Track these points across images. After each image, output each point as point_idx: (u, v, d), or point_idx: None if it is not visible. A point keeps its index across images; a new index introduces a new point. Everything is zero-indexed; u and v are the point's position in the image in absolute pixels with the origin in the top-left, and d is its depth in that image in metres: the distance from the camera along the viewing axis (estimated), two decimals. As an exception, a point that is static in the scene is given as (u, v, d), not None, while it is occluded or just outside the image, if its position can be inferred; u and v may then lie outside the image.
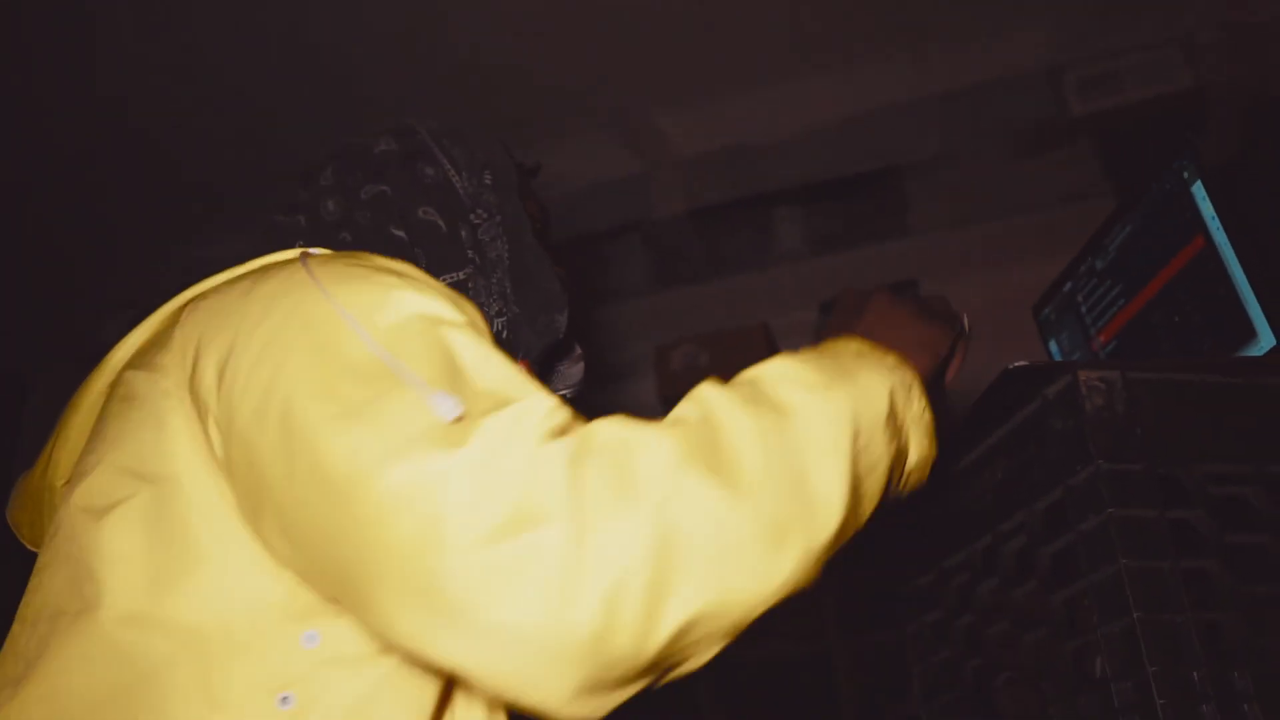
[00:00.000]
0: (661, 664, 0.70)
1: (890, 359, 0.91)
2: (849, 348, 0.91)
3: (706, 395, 0.79)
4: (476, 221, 1.09)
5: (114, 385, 0.91)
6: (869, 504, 0.83)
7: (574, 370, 1.21)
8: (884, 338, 0.96)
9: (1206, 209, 1.10)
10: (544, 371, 1.17)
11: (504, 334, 1.08)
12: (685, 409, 0.78)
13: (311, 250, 0.92)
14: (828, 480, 0.76)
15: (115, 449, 0.83)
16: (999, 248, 3.30)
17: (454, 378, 0.73)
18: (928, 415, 0.92)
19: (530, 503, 0.65)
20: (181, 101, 2.86)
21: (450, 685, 0.83)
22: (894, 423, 0.86)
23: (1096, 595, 0.98)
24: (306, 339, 0.76)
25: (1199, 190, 1.12)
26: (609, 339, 3.50)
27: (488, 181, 1.11)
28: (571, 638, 0.64)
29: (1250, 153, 2.78)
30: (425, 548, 0.64)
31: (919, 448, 0.91)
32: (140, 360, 0.89)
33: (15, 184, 3.08)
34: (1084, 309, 1.33)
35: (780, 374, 0.83)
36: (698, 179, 3.27)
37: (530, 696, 0.67)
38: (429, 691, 0.80)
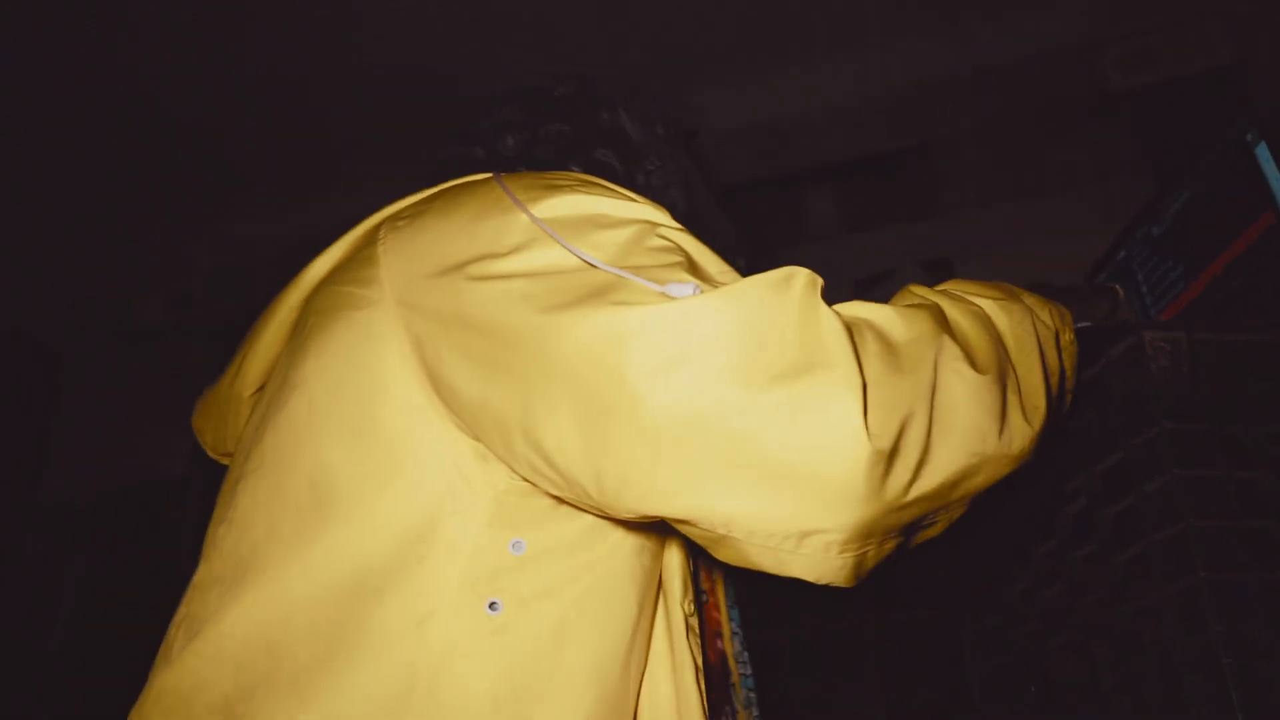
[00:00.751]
0: (922, 519, 0.75)
1: (1036, 298, 0.95)
2: (1001, 286, 0.94)
3: (923, 293, 0.88)
4: (650, 168, 1.12)
5: (309, 300, 0.92)
6: (1057, 404, 0.89)
7: None
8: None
9: (1272, 172, 1.10)
10: None
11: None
12: (908, 299, 0.86)
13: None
14: (1030, 369, 0.85)
15: (321, 358, 0.84)
16: (1034, 225, 3.28)
17: (691, 269, 0.75)
18: (1074, 346, 0.95)
19: (817, 347, 0.68)
20: (215, 84, 2.87)
21: (652, 599, 0.86)
22: (1057, 342, 0.91)
23: (1158, 556, 0.98)
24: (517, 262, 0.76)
25: (1264, 153, 1.11)
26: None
27: (660, 133, 1.14)
28: (858, 474, 0.66)
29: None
30: (695, 388, 0.66)
31: (1070, 373, 0.94)
32: (340, 276, 0.89)
33: (51, 164, 3.10)
34: (1142, 282, 1.33)
35: (964, 289, 0.90)
36: (729, 157, 3.27)
37: (797, 550, 0.69)
38: (631, 606, 0.82)
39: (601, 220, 0.78)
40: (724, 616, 1.05)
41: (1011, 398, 0.81)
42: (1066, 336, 0.94)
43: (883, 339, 0.75)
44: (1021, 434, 0.81)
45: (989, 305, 0.87)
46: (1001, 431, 0.78)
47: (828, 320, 0.70)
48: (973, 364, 0.78)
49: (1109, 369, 1.05)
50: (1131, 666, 1.02)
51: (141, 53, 2.75)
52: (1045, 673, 1.17)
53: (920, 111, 3.06)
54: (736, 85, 3.07)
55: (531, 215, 0.78)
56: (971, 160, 3.24)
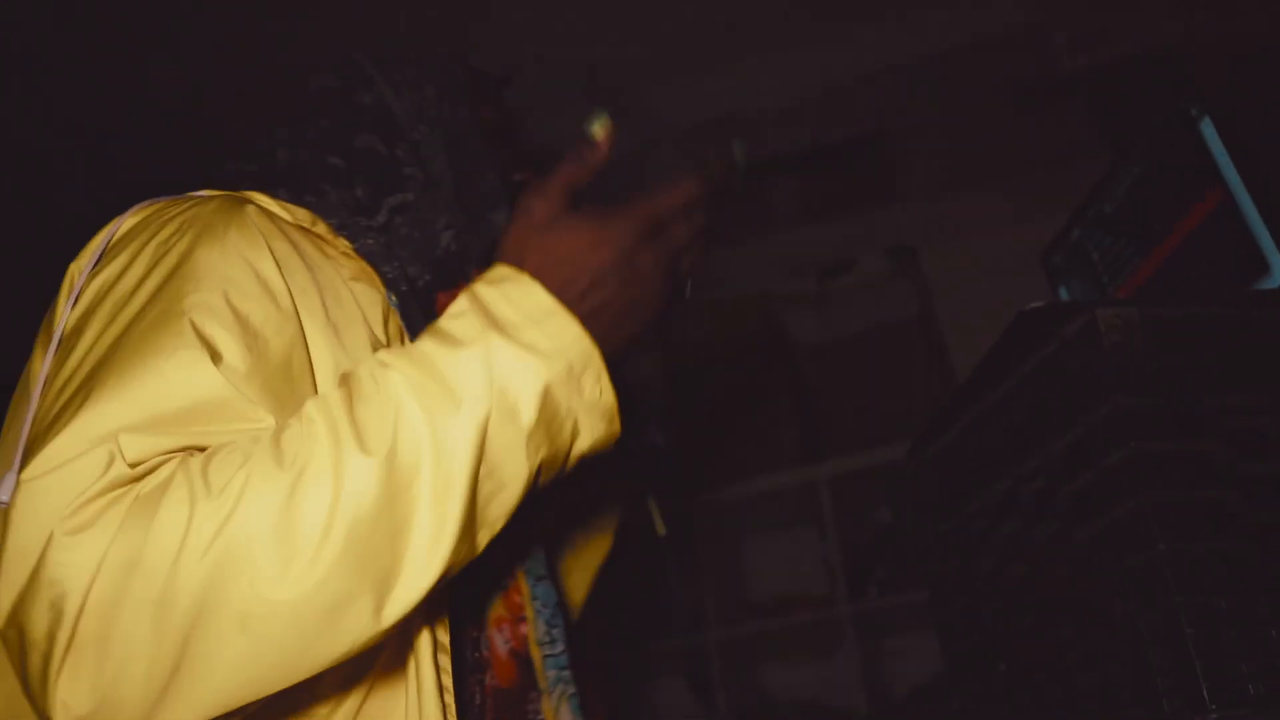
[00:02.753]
0: None
1: (566, 326, 0.76)
2: (510, 306, 0.76)
3: (251, 463, 0.68)
4: (417, 138, 1.09)
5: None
6: (495, 524, 0.74)
7: None
8: (566, 282, 0.79)
9: (1218, 148, 1.11)
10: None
11: (452, 246, 1.07)
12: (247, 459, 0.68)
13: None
14: (421, 532, 0.68)
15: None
16: (996, 208, 3.31)
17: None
18: (607, 398, 0.77)
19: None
20: (238, 99, 2.83)
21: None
22: (548, 425, 0.74)
23: (1118, 532, 0.99)
24: None
25: (1209, 129, 1.12)
26: (606, 314, 3.49)
27: (429, 94, 1.11)
28: None
29: (1244, 100, 2.78)
30: None
31: (592, 434, 0.78)
32: None
33: (66, 181, 3.06)
34: (1097, 260, 1.34)
35: (385, 390, 0.71)
36: (686, 151, 3.27)
37: None
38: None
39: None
40: (526, 598, 1.04)
41: (359, 582, 0.67)
42: (588, 396, 0.76)
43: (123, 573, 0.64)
44: (365, 623, 0.67)
45: (401, 444, 0.69)
46: (318, 638, 0.66)
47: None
48: (284, 568, 0.65)
49: (1062, 347, 1.05)
50: (1096, 642, 1.03)
51: (161, 78, 2.73)
52: (1014, 652, 1.18)
53: (875, 99, 3.08)
54: (691, 80, 3.07)
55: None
56: (930, 146, 3.27)
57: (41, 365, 0.79)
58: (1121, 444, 0.97)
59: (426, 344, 0.74)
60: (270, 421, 0.73)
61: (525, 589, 1.05)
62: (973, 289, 3.31)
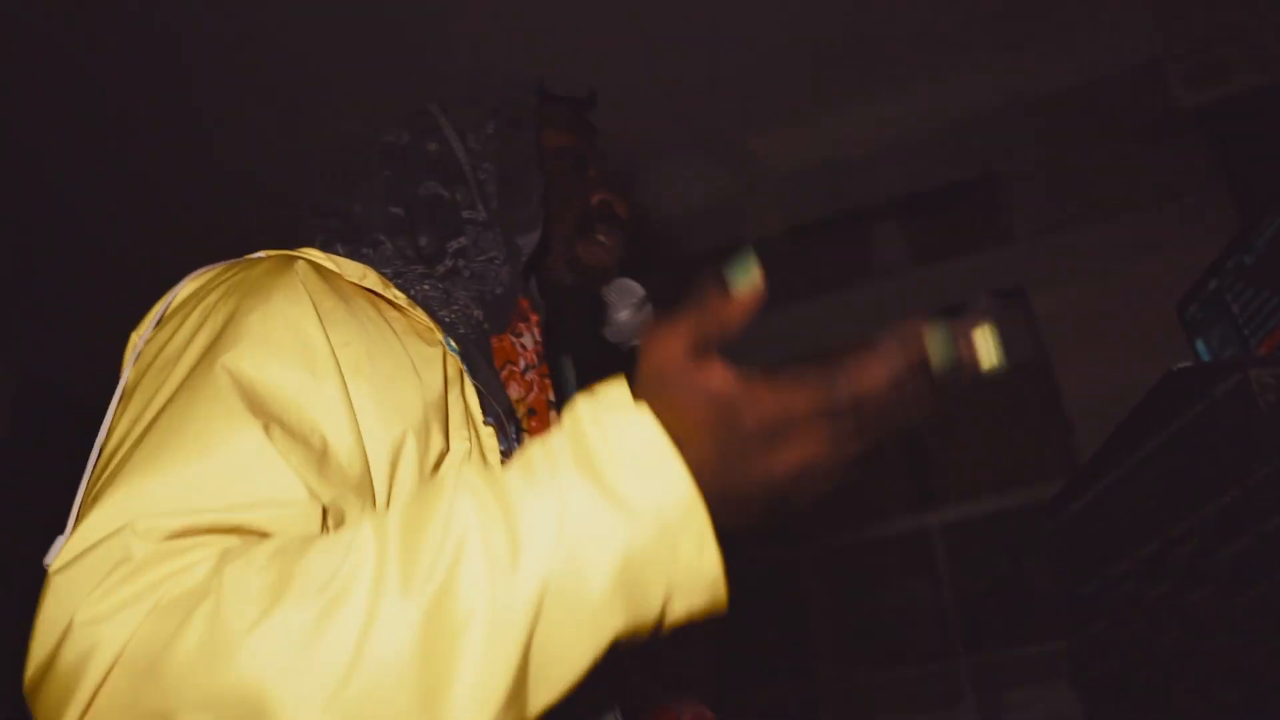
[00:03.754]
0: None
1: (670, 476, 0.62)
2: (609, 440, 0.63)
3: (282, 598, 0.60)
4: (482, 178, 1.08)
5: None
6: (545, 698, 0.62)
7: (634, 319, 1.13)
8: (693, 424, 0.64)
9: (1370, 197, 1.07)
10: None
11: (510, 285, 1.05)
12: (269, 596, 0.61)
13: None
14: (459, 701, 0.58)
15: None
16: (1108, 248, 3.23)
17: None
18: (710, 565, 0.63)
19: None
20: (263, 133, 2.93)
21: None
22: (628, 594, 0.62)
23: (1281, 597, 0.96)
24: None
25: (1359, 177, 1.09)
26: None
27: (490, 131, 1.10)
28: None
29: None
30: None
31: (687, 605, 0.64)
32: None
33: (97, 219, 3.18)
34: (1238, 313, 1.30)
35: (451, 521, 0.62)
36: (794, 197, 3.27)
37: None
38: None
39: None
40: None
41: None
42: (684, 562, 0.63)
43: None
44: None
45: (418, 600, 0.60)
46: None
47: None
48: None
49: (1214, 407, 1.03)
50: (1259, 712, 0.99)
51: (188, 108, 2.83)
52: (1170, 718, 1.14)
53: (984, 140, 3.05)
54: (797, 125, 3.08)
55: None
56: (1041, 186, 3.21)
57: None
58: (1282, 508, 0.94)
59: (515, 472, 0.65)
60: (304, 496, 0.68)
61: None
62: (1087, 330, 3.24)
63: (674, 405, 0.64)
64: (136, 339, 0.87)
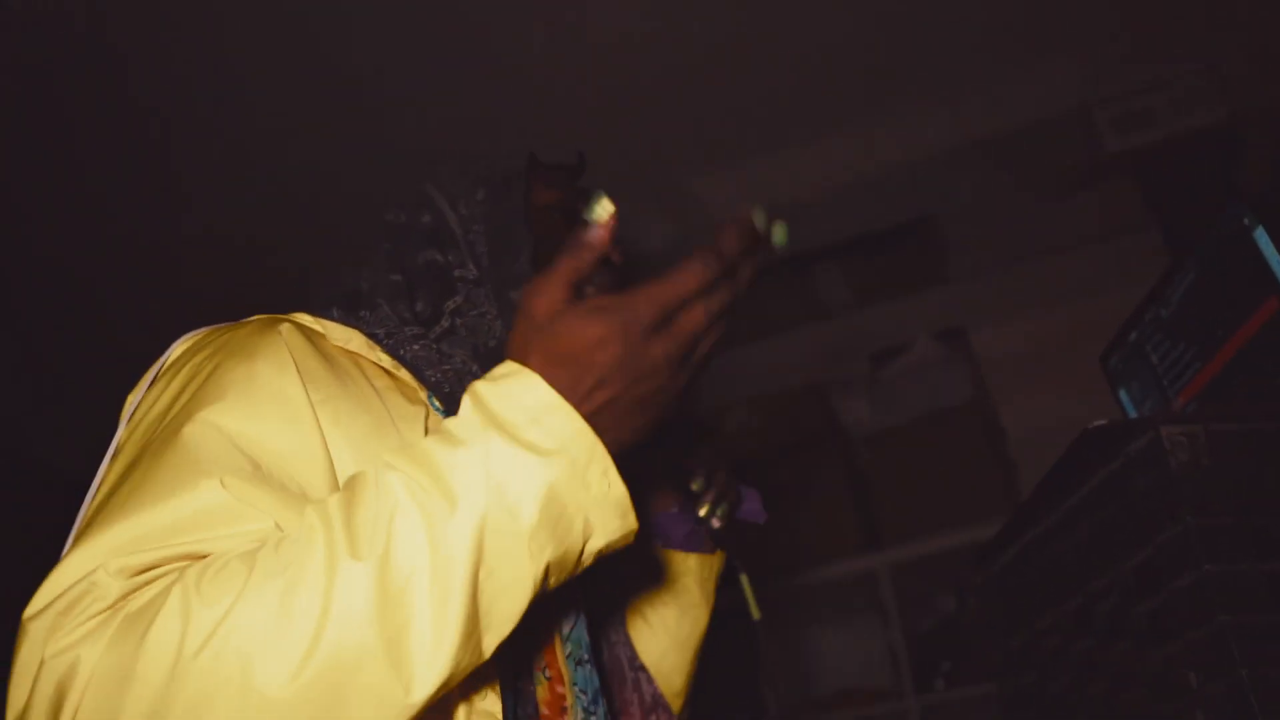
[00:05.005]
0: None
1: (568, 422, 0.72)
2: (510, 404, 0.72)
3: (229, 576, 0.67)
4: (472, 240, 1.14)
5: None
6: (500, 627, 0.71)
7: None
8: (572, 381, 0.74)
9: (1272, 255, 1.10)
10: None
11: (503, 335, 1.10)
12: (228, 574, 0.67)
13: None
14: (421, 637, 0.66)
15: None
16: (1044, 289, 3.30)
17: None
18: (617, 492, 0.73)
19: None
20: (250, 199, 2.92)
21: None
22: (553, 525, 0.71)
23: (1195, 653, 0.97)
24: None
25: (1262, 237, 1.12)
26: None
27: (479, 198, 1.16)
28: None
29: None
30: None
31: (606, 530, 0.74)
32: None
33: (82, 288, 3.15)
34: (1157, 364, 1.33)
35: (384, 492, 0.70)
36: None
37: None
38: None
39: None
40: (568, 687, 1.02)
41: (358, 688, 0.66)
42: (595, 490, 0.72)
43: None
44: None
45: (397, 545, 0.68)
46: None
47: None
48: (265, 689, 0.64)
49: (1130, 465, 1.05)
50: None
51: (178, 174, 2.81)
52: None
53: (921, 185, 3.10)
54: (736, 171, 3.10)
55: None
56: (978, 229, 3.28)
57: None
58: (1194, 565, 0.96)
59: (430, 442, 0.73)
60: (271, 523, 0.73)
61: (566, 674, 1.02)
62: (1025, 369, 3.30)
63: (563, 342, 0.73)
64: (132, 399, 0.91)
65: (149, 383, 0.91)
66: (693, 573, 1.29)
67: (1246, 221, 1.15)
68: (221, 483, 0.73)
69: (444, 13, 2.41)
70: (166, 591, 0.65)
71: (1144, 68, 2.80)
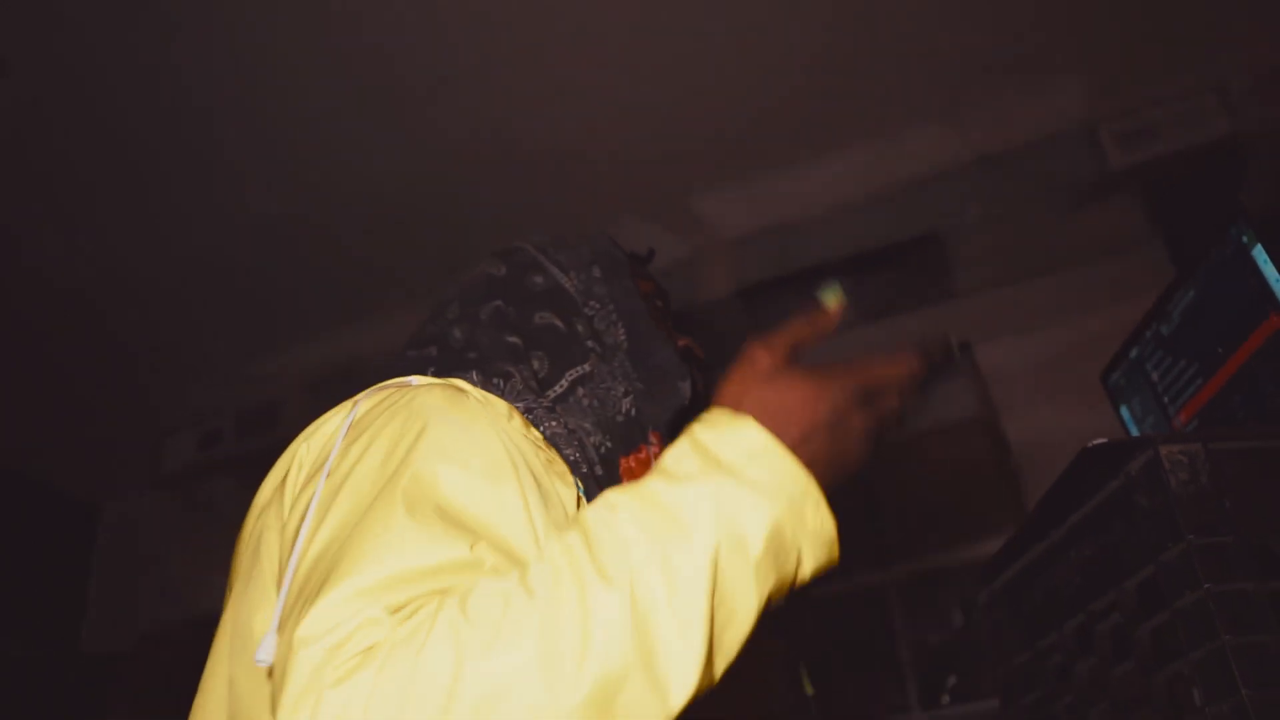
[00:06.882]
0: None
1: (785, 464, 0.77)
2: (731, 448, 0.78)
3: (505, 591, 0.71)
4: (590, 313, 1.16)
5: (254, 526, 0.98)
6: (730, 653, 0.74)
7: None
8: (782, 429, 0.80)
9: (1271, 274, 1.11)
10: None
11: (632, 411, 1.13)
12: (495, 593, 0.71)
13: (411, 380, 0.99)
14: (670, 659, 0.69)
15: (246, 582, 0.91)
16: (1050, 303, 3.30)
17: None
18: (828, 527, 0.79)
19: None
20: (234, 221, 2.95)
21: None
22: (775, 555, 0.75)
23: (1200, 673, 0.97)
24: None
25: (1260, 255, 1.12)
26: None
27: (596, 275, 1.19)
28: None
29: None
30: None
31: (815, 560, 0.79)
32: (266, 495, 0.97)
33: (84, 309, 3.17)
34: (1157, 381, 1.33)
35: (617, 528, 0.73)
36: (742, 259, 3.31)
37: None
38: None
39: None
40: None
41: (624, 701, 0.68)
42: (810, 526, 0.78)
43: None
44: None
45: (633, 572, 0.71)
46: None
47: None
48: (546, 689, 0.66)
49: (1130, 484, 1.05)
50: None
51: (163, 193, 2.83)
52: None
53: (927, 202, 3.11)
54: (743, 189, 3.12)
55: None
56: (983, 244, 3.28)
57: (278, 528, 0.88)
58: (1195, 584, 0.96)
59: (653, 482, 0.76)
60: (507, 568, 0.76)
61: None
62: (1031, 383, 3.29)
63: (778, 397, 0.81)
64: (302, 447, 0.95)
65: (341, 434, 0.92)
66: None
67: (1245, 240, 1.15)
68: (460, 535, 0.77)
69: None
70: (432, 618, 0.68)
71: (1149, 84, 2.81)
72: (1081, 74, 2.77)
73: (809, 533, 0.77)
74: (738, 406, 0.82)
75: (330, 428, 0.95)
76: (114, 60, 2.39)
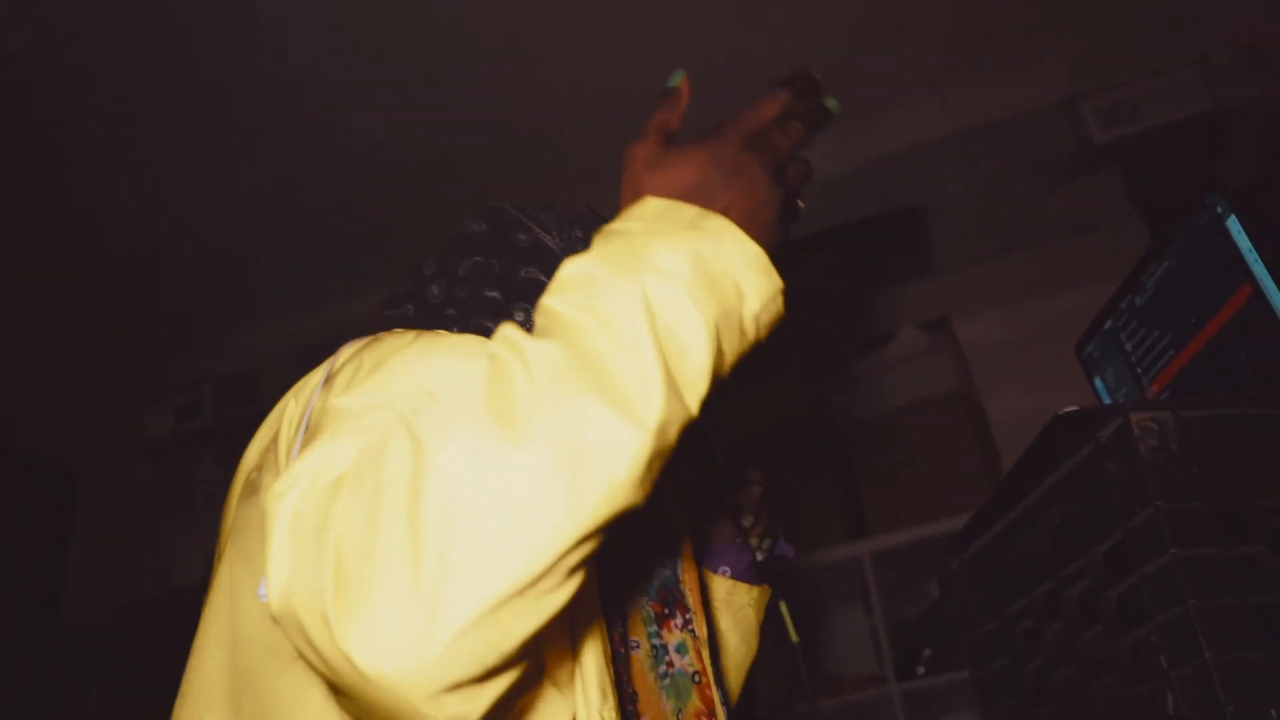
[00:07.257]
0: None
1: (686, 211, 0.78)
2: (635, 220, 0.78)
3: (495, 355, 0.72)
4: None
5: (239, 485, 0.97)
6: (697, 383, 0.73)
7: None
8: (680, 190, 0.81)
9: (1245, 244, 1.11)
10: None
11: None
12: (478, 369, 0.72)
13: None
14: (623, 388, 0.68)
15: (233, 558, 0.90)
16: (1030, 278, 3.31)
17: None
18: (754, 252, 0.77)
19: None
20: (218, 193, 2.93)
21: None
22: (708, 283, 0.75)
23: (1165, 637, 0.98)
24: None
25: (1234, 225, 1.13)
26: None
27: (578, 235, 1.18)
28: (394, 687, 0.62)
29: (1274, 173, 2.78)
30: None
31: (758, 288, 0.77)
32: (255, 457, 0.96)
33: (64, 278, 3.15)
34: (1131, 352, 1.34)
35: (557, 286, 0.75)
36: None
37: None
38: None
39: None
40: (714, 696, 1.06)
41: (579, 442, 0.67)
42: (734, 253, 0.76)
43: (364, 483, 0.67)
44: (599, 488, 0.66)
45: (573, 313, 0.72)
46: (560, 508, 0.65)
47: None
48: (505, 440, 0.66)
49: (1100, 451, 1.06)
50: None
51: (146, 165, 2.81)
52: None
53: (909, 176, 3.10)
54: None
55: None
56: (963, 219, 3.28)
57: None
58: (1162, 550, 0.97)
59: (564, 267, 0.76)
60: None
61: (713, 684, 1.08)
62: (1009, 359, 3.31)
63: (666, 174, 0.81)
64: (291, 403, 0.94)
65: (321, 383, 0.91)
66: (754, 603, 1.36)
67: (1220, 210, 1.16)
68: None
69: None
70: (390, 427, 0.69)
71: (1130, 60, 2.81)
72: (1063, 49, 2.77)
73: (736, 261, 0.76)
74: (635, 198, 0.82)
75: (315, 380, 0.94)
76: (100, 26, 2.36)
